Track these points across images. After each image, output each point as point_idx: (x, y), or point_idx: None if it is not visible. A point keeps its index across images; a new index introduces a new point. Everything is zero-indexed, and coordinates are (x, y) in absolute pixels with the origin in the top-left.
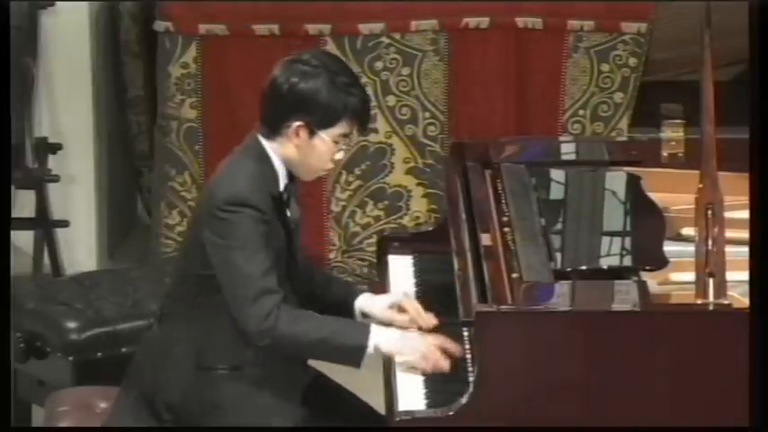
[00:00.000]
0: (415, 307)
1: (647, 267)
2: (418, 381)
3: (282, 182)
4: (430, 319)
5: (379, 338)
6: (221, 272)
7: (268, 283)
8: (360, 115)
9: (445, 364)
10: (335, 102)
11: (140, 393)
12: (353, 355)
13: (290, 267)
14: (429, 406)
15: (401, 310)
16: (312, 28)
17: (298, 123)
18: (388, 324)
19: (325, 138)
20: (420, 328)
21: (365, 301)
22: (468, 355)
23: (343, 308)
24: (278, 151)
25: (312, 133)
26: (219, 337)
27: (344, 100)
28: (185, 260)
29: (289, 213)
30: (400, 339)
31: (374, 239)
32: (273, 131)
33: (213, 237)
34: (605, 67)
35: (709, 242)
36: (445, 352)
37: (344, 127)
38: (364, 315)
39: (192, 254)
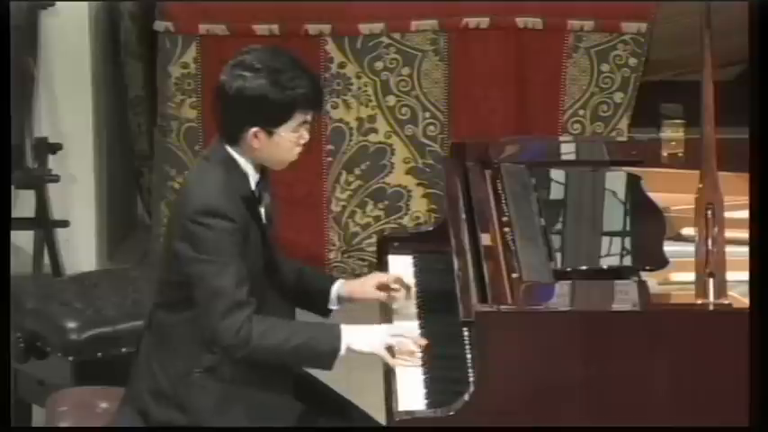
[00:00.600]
0: (396, 278)
1: (647, 267)
2: (418, 381)
3: (253, 180)
4: (411, 287)
5: (350, 339)
6: (194, 282)
7: (239, 296)
8: (311, 102)
9: (417, 356)
10: (283, 99)
11: (137, 412)
12: (326, 358)
13: (267, 261)
14: (429, 406)
15: (382, 287)
16: (312, 28)
17: (253, 129)
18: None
19: (283, 134)
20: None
21: (342, 287)
22: (469, 355)
23: (320, 296)
24: (243, 155)
25: (270, 134)
26: (191, 341)
27: (291, 95)
28: (162, 268)
29: (262, 209)
30: (369, 336)
31: (374, 239)
32: (233, 139)
33: (185, 248)
34: (605, 67)
35: (709, 242)
36: (410, 344)
37: (299, 118)
38: (340, 300)
39: (166, 262)
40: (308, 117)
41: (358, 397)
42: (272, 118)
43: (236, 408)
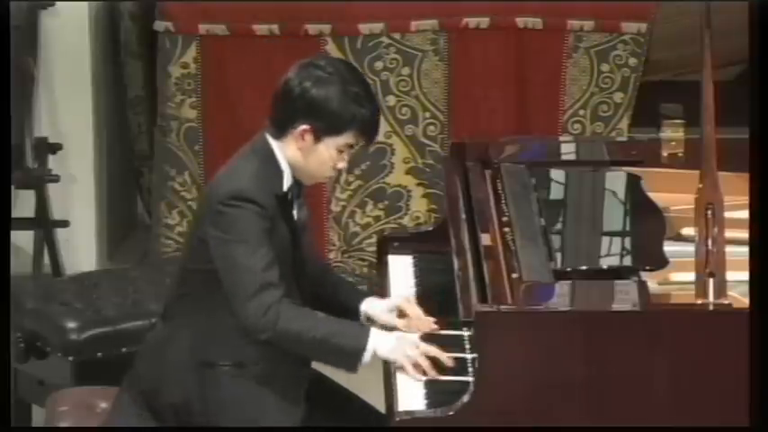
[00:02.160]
0: (414, 311)
1: (647, 267)
2: (418, 381)
3: (287, 182)
4: (429, 323)
5: (376, 342)
6: (223, 266)
7: (269, 278)
8: (367, 128)
9: (433, 372)
10: (344, 111)
11: (140, 393)
12: (351, 357)
13: (296, 267)
14: (429, 406)
15: (402, 313)
16: (312, 28)
17: (304, 127)
18: (390, 328)
19: (329, 145)
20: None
21: (368, 305)
22: (469, 355)
23: (351, 312)
24: (283, 151)
25: (317, 139)
26: (222, 333)
27: (354, 111)
28: (189, 256)
29: (295, 213)
30: (395, 344)
31: (374, 239)
32: (281, 131)
33: (215, 231)
34: (605, 67)
35: (709, 242)
36: (435, 360)
37: (350, 137)
38: (369, 319)
39: (194, 250)
40: (357, 142)
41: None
42: (326, 124)
43: (250, 402)
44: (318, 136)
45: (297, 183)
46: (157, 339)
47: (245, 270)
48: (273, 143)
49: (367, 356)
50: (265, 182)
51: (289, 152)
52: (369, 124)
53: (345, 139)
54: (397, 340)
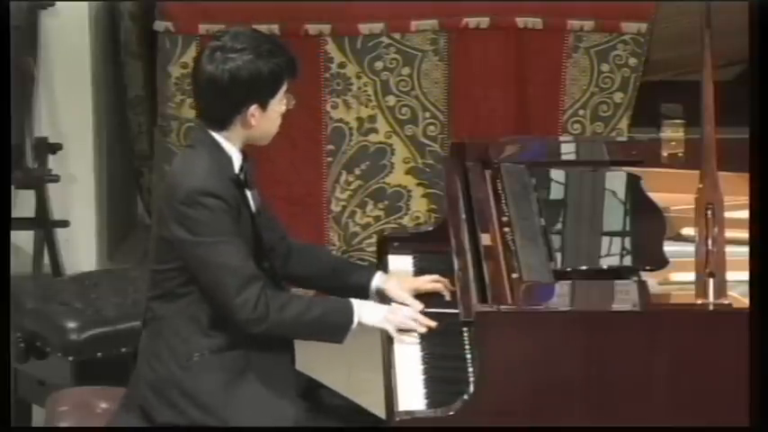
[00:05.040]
0: (435, 278)
1: (647, 267)
2: (418, 381)
3: (237, 163)
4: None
5: (360, 312)
6: (197, 267)
7: (248, 271)
8: (293, 68)
9: (422, 329)
10: (273, 71)
11: (136, 412)
12: (340, 331)
13: (261, 249)
14: (429, 406)
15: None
16: (312, 28)
17: (251, 109)
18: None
19: (274, 106)
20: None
21: (380, 282)
22: (469, 355)
23: (361, 291)
24: (229, 137)
25: (264, 108)
26: (196, 326)
27: (279, 64)
28: (155, 258)
29: (249, 194)
30: (376, 311)
31: (374, 239)
32: (223, 123)
33: (181, 233)
34: (605, 67)
35: (709, 242)
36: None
37: (284, 86)
38: (379, 294)
39: (158, 250)
40: (289, 84)
41: (358, 397)
42: (267, 92)
43: (241, 386)
44: (264, 106)
45: (245, 161)
46: (142, 347)
47: (223, 269)
48: (214, 134)
49: (354, 327)
50: (219, 170)
51: (236, 135)
52: (291, 64)
53: (282, 89)
54: (379, 309)
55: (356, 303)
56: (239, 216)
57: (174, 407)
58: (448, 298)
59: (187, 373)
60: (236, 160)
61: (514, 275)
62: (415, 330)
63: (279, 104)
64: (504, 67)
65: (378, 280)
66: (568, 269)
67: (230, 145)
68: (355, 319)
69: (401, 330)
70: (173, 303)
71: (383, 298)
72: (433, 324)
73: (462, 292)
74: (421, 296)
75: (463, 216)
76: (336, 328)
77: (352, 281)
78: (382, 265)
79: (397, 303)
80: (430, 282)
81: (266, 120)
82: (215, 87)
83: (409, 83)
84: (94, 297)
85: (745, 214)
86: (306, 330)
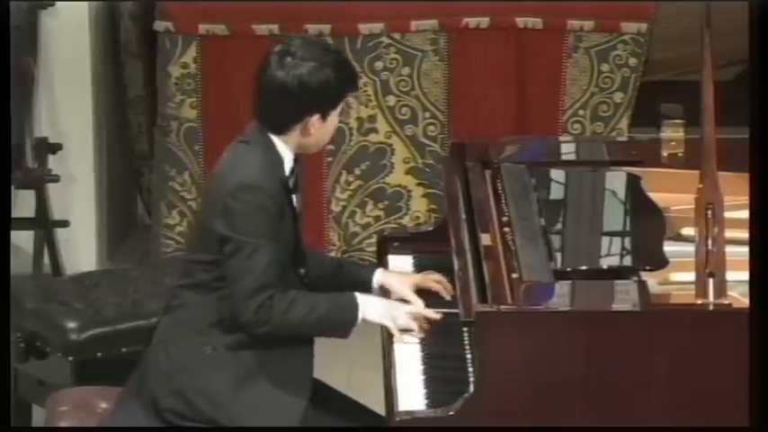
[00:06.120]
0: (438, 279)
1: (647, 267)
2: (418, 381)
3: (288, 166)
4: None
5: (364, 308)
6: (228, 261)
7: (266, 278)
8: (355, 81)
9: (422, 333)
10: (339, 83)
11: (149, 398)
12: (344, 328)
13: (296, 253)
14: (429, 406)
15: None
16: (312, 28)
17: (313, 119)
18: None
19: (333, 115)
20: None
21: (382, 277)
22: (469, 355)
23: (361, 287)
24: (285, 142)
25: (324, 119)
26: (220, 319)
27: (344, 76)
28: (194, 247)
29: (295, 199)
30: (380, 307)
31: (374, 239)
32: (282, 128)
33: (223, 225)
34: (605, 67)
35: (709, 242)
36: (426, 319)
37: (347, 96)
38: (382, 289)
39: (199, 240)
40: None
41: (358, 397)
42: (331, 103)
43: (252, 386)
44: (325, 116)
45: (295, 167)
46: (159, 333)
47: (245, 270)
48: (272, 136)
49: (358, 323)
50: (270, 169)
51: (291, 140)
52: (353, 77)
53: (343, 102)
54: (383, 305)
55: (360, 299)
56: (281, 218)
57: (181, 395)
58: (448, 299)
59: (201, 364)
60: (288, 162)
61: (514, 275)
62: (416, 330)
63: (336, 116)
64: (504, 67)
65: (379, 276)
66: (568, 269)
67: (285, 147)
68: (360, 316)
69: (402, 330)
70: (203, 295)
71: (385, 293)
72: (437, 317)
73: (462, 292)
74: (421, 295)
75: (463, 216)
76: (341, 326)
77: (354, 278)
78: (382, 266)
79: (398, 299)
80: (433, 280)
81: (324, 130)
82: (283, 93)
83: (409, 83)
84: (94, 297)
85: (745, 214)
86: (310, 329)
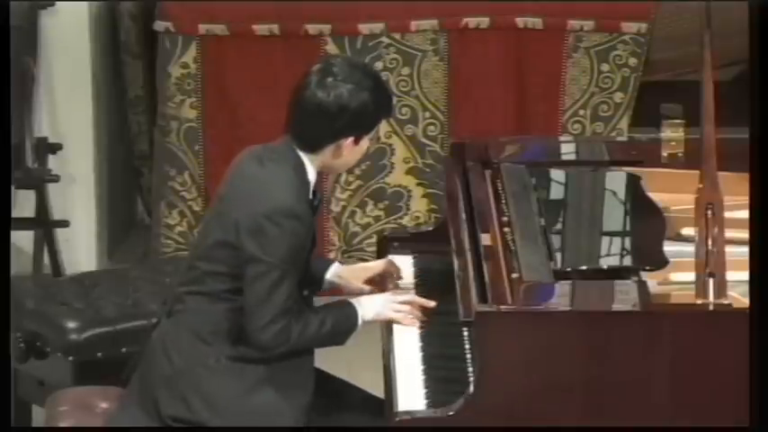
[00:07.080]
0: (389, 260)
1: (647, 267)
2: (418, 381)
3: (311, 186)
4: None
5: (363, 312)
6: (248, 283)
7: (288, 305)
8: (390, 107)
9: (419, 314)
10: (377, 108)
11: (149, 399)
12: (347, 335)
13: (304, 275)
14: (429, 406)
15: (370, 281)
16: (312, 28)
17: (348, 141)
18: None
19: (366, 140)
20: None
21: (335, 271)
22: (469, 355)
23: (315, 282)
24: (314, 161)
25: (357, 143)
26: (224, 329)
27: (380, 102)
28: (205, 257)
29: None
30: (375, 305)
31: (374, 239)
32: (314, 147)
33: (252, 246)
34: (605, 67)
35: (709, 242)
36: (417, 305)
37: (380, 122)
38: (332, 285)
39: (214, 252)
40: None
41: None
42: (366, 126)
43: (257, 393)
44: (359, 140)
45: (316, 187)
46: (160, 336)
47: (268, 298)
48: (302, 155)
49: (358, 328)
50: (302, 192)
51: (320, 160)
52: (389, 103)
53: (377, 125)
54: (375, 302)
55: (356, 303)
56: (307, 241)
57: (184, 402)
58: (399, 280)
59: (206, 372)
60: (312, 182)
61: (514, 275)
62: (414, 322)
63: (368, 140)
64: (504, 67)
65: (332, 272)
66: (568, 269)
67: (311, 166)
68: (360, 321)
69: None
70: (212, 305)
71: (337, 289)
72: (431, 304)
73: (462, 292)
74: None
75: (463, 216)
76: (346, 334)
77: (309, 273)
78: None
79: (359, 293)
80: (380, 266)
81: (354, 153)
82: (320, 113)
83: (409, 83)
84: (94, 297)
85: (745, 214)
86: (319, 343)
